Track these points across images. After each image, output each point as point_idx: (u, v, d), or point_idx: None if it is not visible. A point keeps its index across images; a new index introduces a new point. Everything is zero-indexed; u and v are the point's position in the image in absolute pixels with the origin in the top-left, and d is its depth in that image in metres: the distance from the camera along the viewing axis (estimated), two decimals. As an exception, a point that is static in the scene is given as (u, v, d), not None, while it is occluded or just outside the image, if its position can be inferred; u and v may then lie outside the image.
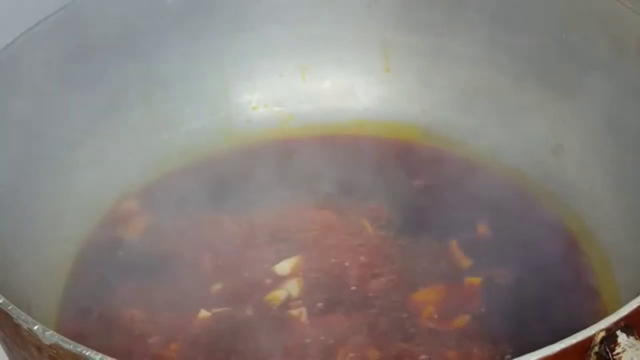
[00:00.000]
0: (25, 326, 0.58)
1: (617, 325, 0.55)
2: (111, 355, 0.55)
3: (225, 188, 0.86)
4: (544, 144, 0.86)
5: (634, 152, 0.78)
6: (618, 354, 0.55)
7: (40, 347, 0.58)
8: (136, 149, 0.88)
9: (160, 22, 0.88)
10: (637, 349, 0.55)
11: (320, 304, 0.75)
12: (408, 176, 0.86)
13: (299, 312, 0.75)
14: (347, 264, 0.78)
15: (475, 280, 0.76)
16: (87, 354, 0.55)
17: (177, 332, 0.74)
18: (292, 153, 0.89)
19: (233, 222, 0.83)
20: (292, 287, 0.77)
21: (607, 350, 0.55)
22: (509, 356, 0.70)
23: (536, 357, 0.54)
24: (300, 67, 0.93)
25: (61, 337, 0.57)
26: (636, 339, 0.55)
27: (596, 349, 0.55)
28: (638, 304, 0.56)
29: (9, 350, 0.64)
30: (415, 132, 0.91)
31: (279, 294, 0.76)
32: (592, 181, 0.82)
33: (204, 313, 0.75)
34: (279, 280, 0.77)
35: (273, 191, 0.85)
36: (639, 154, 0.78)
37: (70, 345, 0.56)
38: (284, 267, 0.78)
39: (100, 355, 0.55)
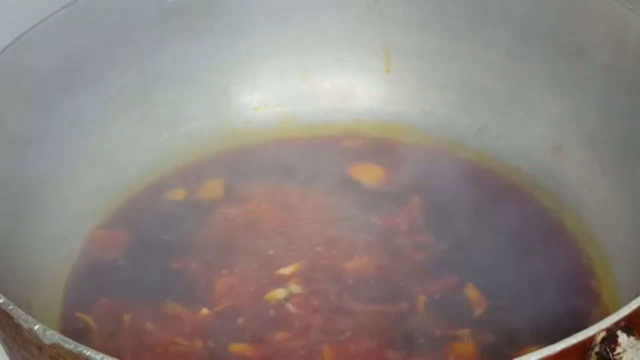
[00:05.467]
0: (25, 326, 0.58)
1: (617, 325, 0.55)
2: (112, 355, 0.55)
3: (226, 188, 0.86)
4: (544, 144, 0.86)
5: (634, 152, 0.78)
6: (619, 354, 0.55)
7: (40, 347, 0.58)
8: (136, 149, 0.88)
9: (161, 22, 0.88)
10: (637, 349, 0.55)
11: (319, 304, 0.75)
12: (408, 176, 0.86)
13: (297, 312, 0.75)
14: (348, 263, 0.78)
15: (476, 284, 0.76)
16: (87, 353, 0.55)
17: (177, 330, 0.74)
18: (292, 153, 0.89)
19: (233, 222, 0.83)
20: (293, 287, 0.77)
21: (608, 350, 0.55)
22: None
23: (536, 357, 0.54)
24: (300, 68, 0.93)
25: (62, 336, 0.57)
26: (636, 339, 0.55)
27: (597, 349, 0.55)
28: (638, 304, 0.56)
29: (9, 350, 0.64)
30: (415, 132, 0.91)
31: (279, 294, 0.76)
32: (592, 181, 0.82)
33: (205, 311, 0.75)
34: (280, 279, 0.77)
35: (273, 191, 0.85)
36: (638, 154, 0.78)
37: (70, 345, 0.56)
38: (285, 267, 0.78)
39: (101, 355, 0.55)
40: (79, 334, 0.72)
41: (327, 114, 0.93)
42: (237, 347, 0.72)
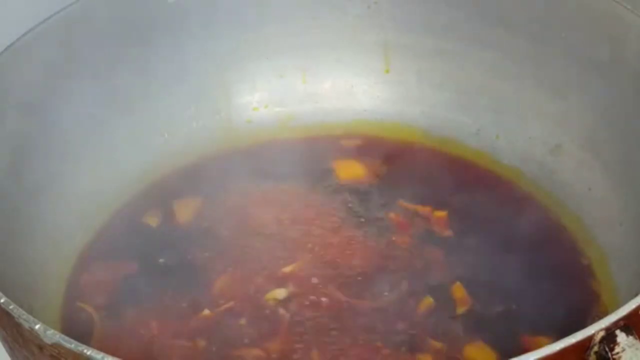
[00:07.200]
0: (26, 325, 0.58)
1: (616, 325, 0.56)
2: (113, 354, 0.55)
3: (226, 188, 0.86)
4: (543, 144, 0.86)
5: (633, 152, 0.78)
6: (617, 353, 0.55)
7: (41, 347, 0.58)
8: (137, 149, 0.88)
9: (161, 22, 0.88)
10: (636, 349, 0.55)
11: (319, 304, 0.75)
12: (408, 177, 0.86)
13: (297, 311, 0.75)
14: (347, 263, 0.78)
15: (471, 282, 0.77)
16: (88, 353, 0.55)
17: (179, 331, 0.74)
18: (292, 153, 0.90)
19: (233, 222, 0.83)
20: (292, 287, 0.77)
21: (607, 349, 0.55)
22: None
23: (536, 357, 0.54)
24: (300, 68, 0.93)
25: (62, 336, 0.57)
26: (635, 338, 0.55)
27: (596, 348, 0.55)
28: (637, 304, 0.56)
29: (10, 350, 0.64)
30: (415, 132, 0.91)
31: (279, 294, 0.76)
32: (591, 181, 0.82)
33: (206, 312, 0.75)
34: (280, 279, 0.78)
35: (273, 191, 0.85)
36: (638, 154, 0.78)
37: (71, 344, 0.56)
38: (284, 266, 0.79)
39: (101, 354, 0.55)
40: (80, 334, 0.72)
41: (327, 114, 0.93)
42: (238, 347, 0.73)
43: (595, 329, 0.55)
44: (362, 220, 0.82)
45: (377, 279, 0.77)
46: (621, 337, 0.55)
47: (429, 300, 0.75)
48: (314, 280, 0.77)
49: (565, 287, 0.76)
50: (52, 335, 0.57)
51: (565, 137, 0.85)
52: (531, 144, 0.87)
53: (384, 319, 0.74)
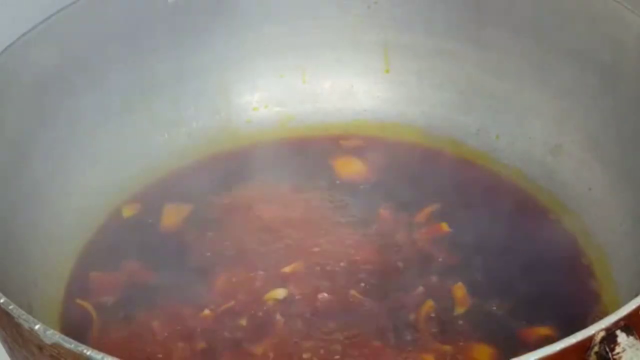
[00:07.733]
0: (26, 326, 0.58)
1: (616, 325, 0.56)
2: (113, 355, 0.55)
3: (225, 188, 0.86)
4: (543, 144, 0.86)
5: (633, 152, 0.78)
6: (618, 353, 0.55)
7: (41, 347, 0.58)
8: (137, 149, 0.88)
9: (161, 22, 0.88)
10: (637, 349, 0.55)
11: (319, 303, 0.75)
12: (408, 177, 0.86)
13: (297, 311, 0.75)
14: (347, 262, 0.78)
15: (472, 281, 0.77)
16: (88, 353, 0.55)
17: (178, 330, 0.74)
18: (292, 153, 0.90)
19: (233, 222, 0.83)
20: (291, 287, 0.77)
21: (607, 350, 0.55)
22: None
23: (536, 357, 0.54)
24: (300, 68, 0.93)
25: (62, 336, 0.57)
26: (636, 338, 0.55)
27: (596, 348, 0.55)
28: (638, 304, 0.56)
29: (10, 350, 0.64)
30: (415, 132, 0.91)
31: (278, 294, 0.76)
32: (591, 181, 0.82)
33: (207, 312, 0.75)
34: (279, 279, 0.77)
35: (273, 192, 0.85)
36: (638, 154, 0.78)
37: (71, 344, 0.56)
38: (284, 266, 0.78)
39: (101, 354, 0.55)
40: (80, 334, 0.72)
41: (327, 114, 0.94)
42: (238, 348, 0.73)
43: (595, 329, 0.55)
44: (362, 220, 0.82)
45: (377, 279, 0.77)
46: (622, 337, 0.55)
47: (429, 300, 0.75)
48: (314, 280, 0.77)
49: (566, 288, 0.76)
50: (51, 336, 0.57)
51: (565, 137, 0.85)
52: (531, 144, 0.87)
53: (384, 319, 0.74)
